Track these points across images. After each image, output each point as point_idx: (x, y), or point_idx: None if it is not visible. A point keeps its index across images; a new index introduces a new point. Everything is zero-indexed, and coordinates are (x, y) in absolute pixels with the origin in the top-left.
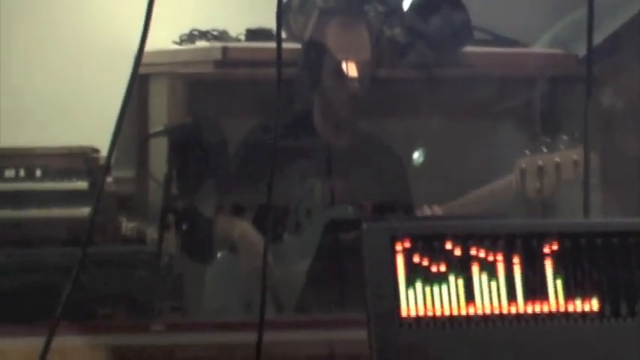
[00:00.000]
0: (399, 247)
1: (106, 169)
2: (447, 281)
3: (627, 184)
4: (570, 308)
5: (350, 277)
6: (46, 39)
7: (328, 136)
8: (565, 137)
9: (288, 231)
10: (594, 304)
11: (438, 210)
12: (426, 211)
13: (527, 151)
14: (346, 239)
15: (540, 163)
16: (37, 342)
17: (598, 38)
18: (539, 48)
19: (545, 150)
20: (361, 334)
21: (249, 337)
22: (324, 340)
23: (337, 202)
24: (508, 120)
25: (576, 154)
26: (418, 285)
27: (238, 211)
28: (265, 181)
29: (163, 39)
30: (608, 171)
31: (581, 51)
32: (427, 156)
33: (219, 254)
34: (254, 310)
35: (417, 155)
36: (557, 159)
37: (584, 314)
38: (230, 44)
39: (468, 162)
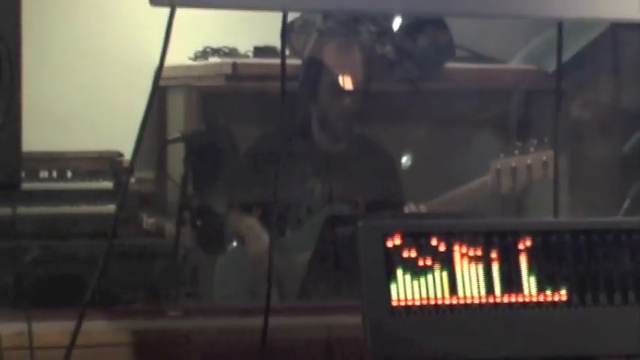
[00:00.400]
0: (390, 243)
1: (130, 171)
2: (432, 273)
3: (593, 186)
4: (542, 298)
5: (346, 268)
6: (76, 55)
7: (325, 144)
8: (535, 141)
9: (290, 227)
10: (563, 294)
11: (423, 208)
12: (412, 208)
13: (501, 154)
14: (343, 233)
15: (513, 164)
16: (68, 325)
17: (566, 56)
18: (513, 64)
19: (517, 152)
20: (357, 319)
21: (256, 321)
22: (323, 324)
23: (334, 201)
24: (486, 128)
25: (545, 155)
26: (407, 277)
27: (246, 208)
28: (270, 181)
29: (180, 55)
30: (575, 174)
31: (551, 67)
32: (414, 159)
33: (229, 247)
34: (260, 296)
35: (405, 159)
36: (528, 160)
37: (554, 303)
38: (239, 60)
39: (450, 164)
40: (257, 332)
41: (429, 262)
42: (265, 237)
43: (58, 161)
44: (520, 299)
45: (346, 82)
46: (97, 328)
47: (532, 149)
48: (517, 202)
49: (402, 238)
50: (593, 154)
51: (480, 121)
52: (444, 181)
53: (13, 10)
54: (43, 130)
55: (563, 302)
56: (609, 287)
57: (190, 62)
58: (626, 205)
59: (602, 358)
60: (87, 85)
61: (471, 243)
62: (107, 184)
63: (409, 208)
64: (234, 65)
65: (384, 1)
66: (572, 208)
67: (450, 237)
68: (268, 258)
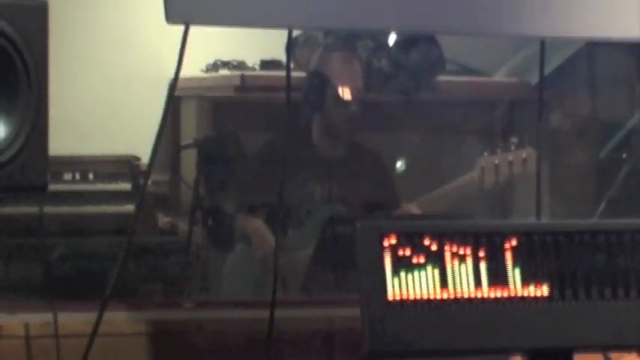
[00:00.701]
0: (386, 242)
1: (148, 174)
2: (425, 271)
3: (571, 190)
4: (526, 293)
5: (345, 265)
6: (96, 66)
7: (325, 149)
8: (516, 140)
9: (292, 227)
10: (545, 290)
11: (414, 208)
12: (404, 209)
13: (485, 152)
14: (342, 233)
15: (496, 161)
16: (90, 316)
17: (547, 70)
18: (499, 77)
19: (499, 151)
20: (355, 312)
21: (263, 313)
22: (324, 316)
23: (333, 203)
24: (473, 135)
25: (525, 153)
26: (402, 274)
27: (253, 210)
28: (274, 185)
29: (192, 68)
30: (555, 178)
31: (534, 79)
32: (407, 164)
33: (237, 246)
34: (266, 291)
35: (399, 164)
36: (509, 157)
37: (536, 298)
38: (247, 72)
39: (440, 168)
40: (263, 323)
41: (422, 260)
42: (270, 237)
43: (80, 164)
44: (505, 294)
45: (349, 91)
46: (118, 318)
47: (513, 147)
48: (502, 204)
49: (398, 238)
50: (571, 160)
51: (468, 129)
52: (435, 184)
53: (41, 20)
54: (65, 136)
55: (545, 297)
56: (587, 283)
57: (202, 74)
58: (601, 207)
59: (580, 349)
60: (106, 95)
61: (461, 243)
62: (125, 186)
63: (401, 209)
64: (243, 77)
65: (381, 19)
66: (552, 210)
67: (442, 237)
68: (274, 256)
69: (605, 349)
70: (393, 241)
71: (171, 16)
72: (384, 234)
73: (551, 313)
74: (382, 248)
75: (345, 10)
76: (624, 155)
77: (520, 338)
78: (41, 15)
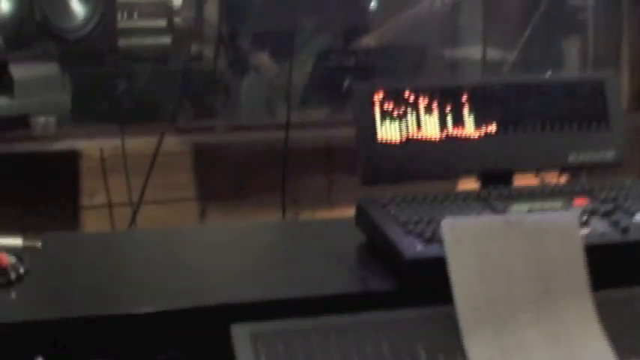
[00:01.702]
0: (375, 98)
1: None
2: (405, 118)
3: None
4: (479, 132)
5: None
6: None
7: None
8: None
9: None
10: (493, 129)
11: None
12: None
13: None
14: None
15: None
16: (147, 140)
17: None
18: None
19: None
20: (351, 132)
21: (275, 134)
22: (324, 136)
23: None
24: None
25: None
26: (387, 121)
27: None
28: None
29: None
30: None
31: None
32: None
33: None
34: (272, 106)
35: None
36: None
37: (487, 135)
38: None
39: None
40: (275, 141)
41: (402, 111)
42: (274, 66)
43: (126, 6)
44: (464, 133)
45: None
46: (168, 141)
47: None
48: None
49: (384, 93)
50: None
51: None
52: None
53: None
54: None
55: (493, 134)
56: (524, 122)
57: None
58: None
59: (519, 171)
60: None
61: (431, 97)
62: (162, 22)
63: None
64: None
65: None
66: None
67: (417, 92)
68: (287, 81)
69: (537, 170)
70: (381, 96)
71: None
72: (374, 91)
73: (497, 145)
74: (372, 102)
75: None
76: None
77: (474, 165)
78: None
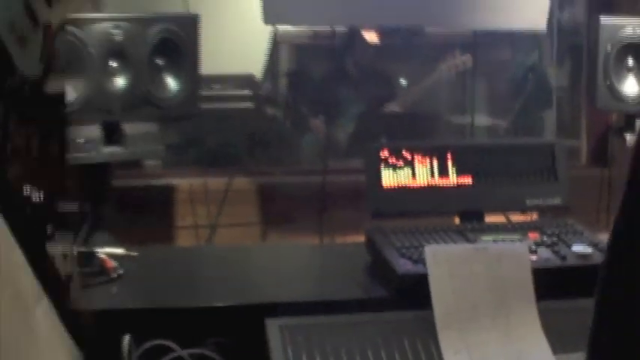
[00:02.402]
0: (381, 154)
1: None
2: (403, 170)
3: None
4: (460, 181)
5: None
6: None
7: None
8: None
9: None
10: (470, 180)
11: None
12: (393, 105)
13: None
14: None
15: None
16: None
17: None
18: None
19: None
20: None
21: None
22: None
23: (359, 103)
24: None
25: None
26: (390, 172)
27: (317, 112)
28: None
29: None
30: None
31: None
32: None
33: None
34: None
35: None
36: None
37: (465, 184)
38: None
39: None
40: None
41: (401, 164)
42: (323, 127)
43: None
44: (448, 183)
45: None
46: (240, 181)
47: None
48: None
49: (388, 151)
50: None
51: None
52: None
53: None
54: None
55: (470, 182)
56: (497, 174)
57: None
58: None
59: (489, 211)
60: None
61: (423, 154)
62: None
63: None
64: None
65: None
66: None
67: (412, 150)
68: (324, 141)
69: (503, 211)
70: (386, 153)
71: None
72: (380, 149)
73: (473, 191)
74: (379, 158)
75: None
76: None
77: (455, 206)
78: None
